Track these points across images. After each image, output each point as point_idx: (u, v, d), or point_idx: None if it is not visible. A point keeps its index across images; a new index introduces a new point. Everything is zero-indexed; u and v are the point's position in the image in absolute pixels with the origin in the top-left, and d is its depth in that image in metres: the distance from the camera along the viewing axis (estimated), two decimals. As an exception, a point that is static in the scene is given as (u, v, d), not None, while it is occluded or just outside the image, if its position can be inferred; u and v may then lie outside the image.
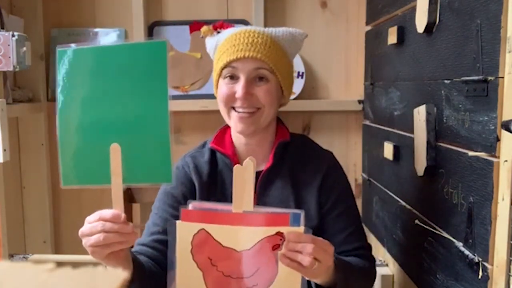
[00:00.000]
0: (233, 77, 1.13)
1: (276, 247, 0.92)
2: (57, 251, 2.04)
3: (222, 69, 1.13)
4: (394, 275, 1.52)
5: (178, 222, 0.92)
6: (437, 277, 1.10)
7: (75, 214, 2.06)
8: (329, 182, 1.18)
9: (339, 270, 1.02)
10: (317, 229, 1.15)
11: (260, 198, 1.16)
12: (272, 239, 0.92)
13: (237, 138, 1.21)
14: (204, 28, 1.23)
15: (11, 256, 1.70)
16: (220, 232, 0.92)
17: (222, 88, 1.14)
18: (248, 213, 0.91)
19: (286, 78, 1.17)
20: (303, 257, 0.89)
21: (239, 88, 1.11)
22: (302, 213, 0.92)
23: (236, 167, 0.91)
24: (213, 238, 0.92)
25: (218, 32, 1.22)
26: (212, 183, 1.18)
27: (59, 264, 0.38)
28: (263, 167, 1.19)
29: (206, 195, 1.17)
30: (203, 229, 0.92)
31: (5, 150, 1.46)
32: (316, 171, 1.18)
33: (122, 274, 0.37)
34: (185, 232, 0.92)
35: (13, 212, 1.88)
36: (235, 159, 1.20)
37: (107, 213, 0.89)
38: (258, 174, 1.17)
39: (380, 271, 1.58)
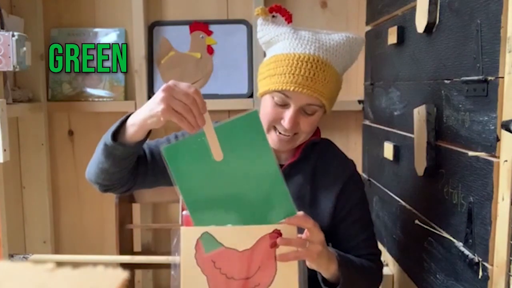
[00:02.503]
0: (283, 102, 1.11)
1: (274, 244, 0.94)
2: (57, 251, 2.04)
3: (274, 91, 1.10)
4: (394, 275, 1.52)
5: (182, 228, 0.93)
6: (437, 277, 1.10)
7: (75, 214, 2.06)
8: (349, 190, 1.19)
9: (343, 265, 1.05)
10: (328, 230, 1.16)
11: None
12: (270, 237, 0.94)
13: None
14: (258, 9, 1.19)
15: (11, 256, 1.70)
16: (222, 234, 0.94)
17: (269, 108, 1.12)
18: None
19: (332, 104, 1.17)
20: (296, 241, 0.94)
21: (287, 117, 1.09)
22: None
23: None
24: (216, 240, 0.94)
25: (274, 17, 1.18)
26: None
27: (59, 264, 0.38)
28: (287, 161, 1.19)
29: None
30: (206, 232, 0.93)
31: (5, 150, 1.46)
32: (338, 177, 1.19)
33: (122, 274, 0.37)
34: (189, 237, 0.94)
35: (13, 212, 1.88)
36: None
37: (201, 99, 0.90)
38: (280, 167, 1.16)
39: (380, 271, 1.58)
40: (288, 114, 1.10)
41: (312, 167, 1.20)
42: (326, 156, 1.23)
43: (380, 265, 1.22)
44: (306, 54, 1.10)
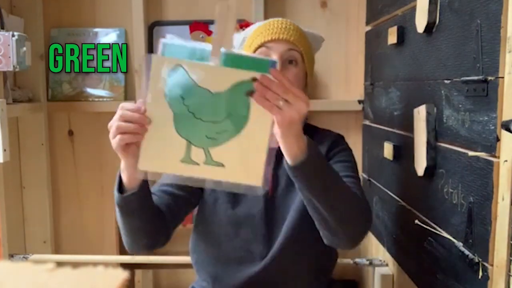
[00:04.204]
0: None
1: (250, 93, 0.88)
2: (57, 251, 2.04)
3: (256, 50, 1.19)
4: (394, 275, 1.52)
5: (153, 55, 0.88)
6: (437, 277, 1.10)
7: (75, 214, 2.06)
8: (335, 147, 1.25)
9: (313, 154, 0.98)
10: None
11: (275, 169, 1.21)
12: (247, 85, 0.88)
13: None
14: None
15: (11, 256, 1.70)
16: (197, 70, 0.88)
17: None
18: (227, 53, 0.87)
19: (311, 66, 1.25)
20: (272, 94, 0.88)
21: None
22: (277, 62, 0.90)
23: (220, 3, 0.86)
24: (189, 75, 0.88)
25: (243, 30, 1.32)
26: None
27: (59, 264, 0.38)
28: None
29: None
30: (180, 64, 0.88)
31: (5, 150, 1.46)
32: (325, 139, 1.26)
33: (122, 274, 0.37)
34: (160, 66, 0.88)
35: (13, 212, 1.88)
36: None
37: (129, 104, 0.91)
38: (275, 149, 1.19)
39: (380, 271, 1.58)
40: None
41: None
42: (314, 132, 1.28)
43: (367, 203, 1.14)
44: (275, 19, 1.25)
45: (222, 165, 0.92)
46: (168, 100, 0.89)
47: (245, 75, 0.88)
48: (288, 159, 0.98)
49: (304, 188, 1.01)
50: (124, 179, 1.02)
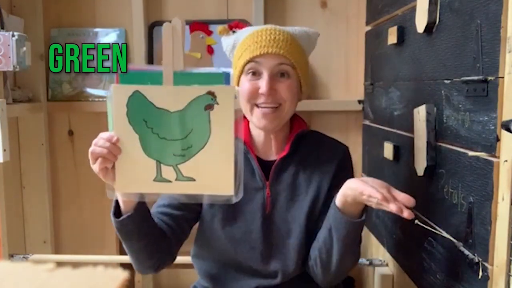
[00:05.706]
0: (255, 73, 1.15)
1: (208, 107, 0.92)
2: (57, 251, 2.04)
3: (245, 64, 1.15)
4: (394, 275, 1.52)
5: (113, 85, 0.94)
6: (437, 277, 1.10)
7: (75, 214, 2.06)
8: (344, 169, 1.23)
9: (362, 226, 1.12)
10: (322, 212, 1.19)
11: (273, 185, 1.20)
12: (203, 99, 0.92)
13: (254, 128, 1.23)
14: (220, 28, 1.30)
15: (11, 256, 1.70)
16: (153, 93, 0.92)
17: (245, 84, 1.16)
18: (179, 73, 0.93)
19: (305, 74, 1.21)
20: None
21: (263, 84, 1.13)
22: (230, 73, 0.96)
23: (165, 25, 0.92)
24: (147, 99, 0.92)
25: (234, 32, 1.27)
26: None
27: (59, 264, 0.38)
28: (278, 156, 1.22)
29: None
30: (137, 90, 0.92)
31: (5, 150, 1.46)
32: (332, 158, 1.23)
33: (122, 274, 0.37)
34: (120, 95, 0.93)
35: (13, 212, 1.88)
36: (250, 146, 1.22)
37: (105, 134, 0.95)
38: (272, 163, 1.21)
39: (380, 271, 1.58)
40: (263, 80, 1.14)
41: (304, 157, 1.22)
42: (316, 144, 1.26)
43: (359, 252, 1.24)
44: (263, 28, 1.19)
45: (193, 179, 0.95)
46: (132, 124, 0.94)
47: (200, 90, 0.91)
48: (350, 216, 1.09)
49: (341, 234, 1.10)
50: (120, 202, 1.04)
